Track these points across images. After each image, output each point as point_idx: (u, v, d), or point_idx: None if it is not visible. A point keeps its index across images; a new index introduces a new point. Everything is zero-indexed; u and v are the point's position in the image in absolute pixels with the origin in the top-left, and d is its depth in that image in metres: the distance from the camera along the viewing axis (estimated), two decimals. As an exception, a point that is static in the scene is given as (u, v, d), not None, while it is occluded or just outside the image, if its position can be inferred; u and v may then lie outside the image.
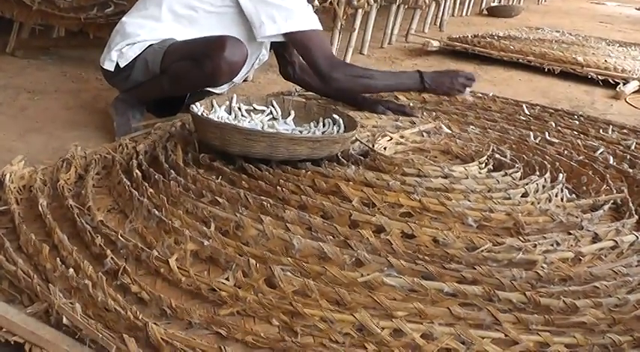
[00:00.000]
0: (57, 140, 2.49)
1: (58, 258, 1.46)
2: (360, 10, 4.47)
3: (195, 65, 2.34)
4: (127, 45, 2.48)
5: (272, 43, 2.70)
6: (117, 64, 2.49)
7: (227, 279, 1.44)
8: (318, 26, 2.51)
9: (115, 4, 3.23)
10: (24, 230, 1.58)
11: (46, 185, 1.87)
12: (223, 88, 2.73)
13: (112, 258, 1.46)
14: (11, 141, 2.44)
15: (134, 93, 2.54)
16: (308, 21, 2.46)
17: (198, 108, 2.17)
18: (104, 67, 2.53)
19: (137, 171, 1.93)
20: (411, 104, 2.91)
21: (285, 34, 2.46)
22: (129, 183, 1.84)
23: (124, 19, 2.57)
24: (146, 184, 1.84)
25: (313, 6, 3.76)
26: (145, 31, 2.49)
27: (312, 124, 2.32)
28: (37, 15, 3.56)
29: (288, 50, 2.80)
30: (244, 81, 2.89)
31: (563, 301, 1.39)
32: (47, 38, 3.99)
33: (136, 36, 2.49)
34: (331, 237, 1.59)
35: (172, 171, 1.94)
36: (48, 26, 3.89)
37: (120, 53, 2.49)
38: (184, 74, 2.38)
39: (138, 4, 2.61)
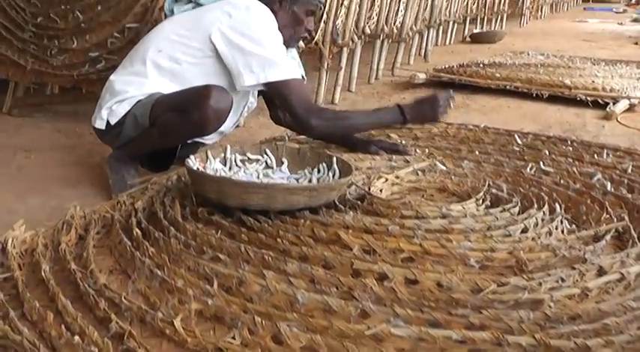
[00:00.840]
0: (55, 198, 2.50)
1: (62, 325, 1.45)
2: (345, 48, 4.51)
3: (183, 116, 2.36)
4: (116, 102, 2.51)
5: (259, 90, 2.71)
6: (107, 121, 2.51)
7: (233, 338, 1.43)
8: (296, 74, 2.52)
9: (106, 59, 3.27)
10: (28, 297, 1.57)
11: (47, 248, 1.87)
12: (213, 138, 2.75)
13: (116, 322, 1.45)
14: (10, 203, 2.46)
15: (126, 149, 2.55)
16: (285, 70, 2.47)
17: (193, 162, 2.17)
18: (95, 126, 2.55)
19: (137, 229, 1.93)
20: (403, 142, 2.93)
21: (263, 84, 2.48)
22: (129, 243, 1.84)
23: (112, 77, 2.60)
24: (147, 243, 1.84)
25: (298, 47, 3.80)
26: (133, 87, 2.52)
27: (306, 171, 2.32)
28: (32, 74, 3.63)
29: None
30: (236, 127, 2.91)
31: (574, 342, 1.37)
32: (41, 95, 4.05)
33: (125, 93, 2.51)
34: (335, 289, 1.59)
35: (172, 227, 1.94)
36: (42, 84, 3.93)
37: (110, 111, 2.51)
38: (173, 125, 2.40)
39: (124, 62, 2.64)
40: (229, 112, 2.41)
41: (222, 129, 2.68)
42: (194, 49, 2.51)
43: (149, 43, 2.58)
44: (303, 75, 2.84)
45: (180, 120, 2.38)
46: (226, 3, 2.58)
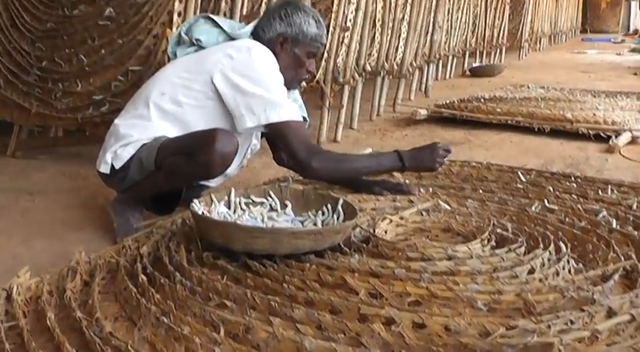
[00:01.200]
0: (60, 243, 2.50)
1: (69, 375, 1.45)
2: (346, 86, 4.54)
3: (189, 159, 2.36)
4: (121, 146, 2.52)
5: (262, 132, 2.72)
6: (112, 165, 2.52)
7: (242, 387, 1.43)
8: (297, 116, 2.52)
9: (110, 102, 3.30)
10: (33, 346, 1.57)
11: (52, 295, 1.87)
12: (217, 181, 2.75)
13: (123, 372, 1.45)
14: (15, 247, 2.46)
15: (131, 192, 2.56)
16: (286, 111, 2.47)
17: (198, 206, 2.18)
18: (100, 170, 2.56)
19: (142, 275, 1.92)
20: (407, 181, 2.93)
21: (265, 125, 2.49)
22: (135, 289, 1.83)
23: (116, 121, 2.62)
24: (152, 289, 1.83)
25: (300, 87, 3.83)
26: (137, 131, 2.53)
27: (311, 213, 2.33)
28: (36, 117, 3.66)
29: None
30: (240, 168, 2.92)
31: (585, 386, 1.37)
32: (45, 138, 4.06)
33: (129, 137, 2.53)
34: (342, 335, 1.58)
35: (177, 273, 1.94)
36: (46, 126, 3.95)
37: (114, 155, 2.52)
38: (179, 169, 2.41)
39: (128, 106, 2.66)
40: (235, 155, 2.42)
41: (226, 172, 2.69)
42: (196, 91, 2.53)
43: (152, 86, 2.60)
44: (305, 117, 2.85)
45: (186, 164, 2.38)
46: (228, 45, 2.61)
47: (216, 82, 2.49)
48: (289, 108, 2.50)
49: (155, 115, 2.54)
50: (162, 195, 2.58)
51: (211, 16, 2.76)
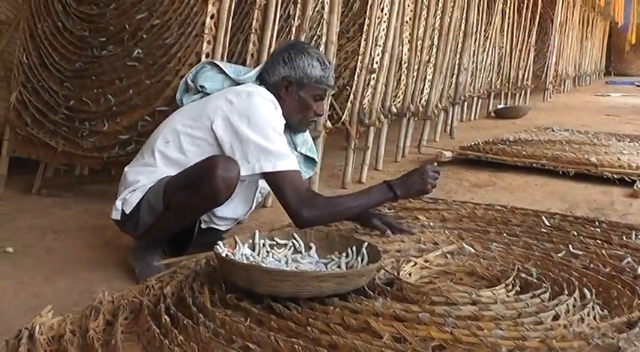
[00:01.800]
0: (83, 282, 2.51)
1: None
2: (372, 128, 4.55)
3: (194, 190, 2.38)
4: (130, 192, 2.56)
5: None
6: (123, 211, 2.55)
7: None
8: (292, 166, 2.49)
9: (136, 141, 3.30)
10: (56, 387, 1.57)
11: (75, 335, 1.87)
12: (229, 225, 2.76)
13: (147, 415, 1.44)
14: (39, 286, 2.47)
15: (147, 237, 2.57)
16: (281, 162, 2.46)
17: (222, 248, 2.19)
18: (112, 217, 2.59)
19: (165, 316, 1.92)
20: (431, 224, 2.93)
21: (259, 174, 2.49)
22: (158, 330, 1.83)
23: (126, 168, 2.67)
24: (175, 330, 1.83)
25: (326, 127, 3.85)
26: (144, 176, 2.56)
27: (335, 255, 2.33)
28: (62, 156, 3.68)
29: None
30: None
31: None
32: (71, 176, 4.09)
33: (137, 182, 2.57)
34: (366, 380, 1.58)
35: (201, 314, 1.94)
36: (71, 165, 3.99)
37: (124, 200, 2.56)
38: (186, 202, 2.42)
39: (137, 155, 2.71)
40: (238, 179, 2.42)
41: (235, 216, 2.71)
42: (199, 139, 2.54)
43: (158, 134, 2.64)
44: (315, 158, 2.85)
45: (192, 196, 2.40)
46: (229, 91, 2.62)
47: (215, 128, 2.51)
48: (284, 157, 2.48)
49: (161, 163, 2.57)
50: (178, 237, 2.61)
51: (216, 62, 2.79)
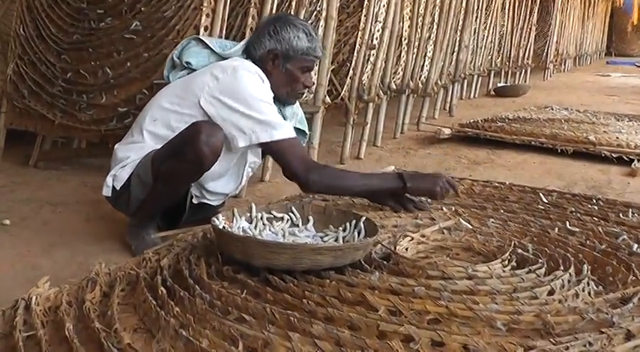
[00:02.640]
0: (81, 254, 2.52)
1: (85, 385, 1.45)
2: (371, 104, 4.55)
3: (180, 158, 2.39)
4: (120, 168, 2.56)
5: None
6: (114, 187, 2.55)
7: (258, 401, 1.43)
8: (288, 134, 2.49)
9: (134, 114, 3.28)
10: (51, 356, 1.58)
11: (71, 306, 1.87)
12: (220, 200, 2.76)
13: (141, 384, 1.45)
14: (36, 258, 2.47)
15: (140, 213, 2.57)
16: (277, 131, 2.46)
17: (219, 220, 2.19)
18: (103, 194, 2.60)
19: (162, 288, 1.93)
20: (429, 200, 2.93)
21: (257, 144, 2.49)
22: (154, 302, 1.84)
23: (116, 146, 2.67)
24: (171, 302, 1.84)
25: (324, 102, 3.84)
26: (133, 152, 2.57)
27: (332, 229, 2.33)
28: (60, 128, 3.68)
29: None
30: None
31: (602, 408, 1.36)
32: (68, 149, 4.08)
33: (126, 158, 2.57)
34: (360, 351, 1.58)
35: (197, 286, 1.94)
36: (69, 138, 3.98)
37: (114, 176, 2.56)
38: (173, 170, 2.43)
39: (127, 133, 2.71)
40: (222, 143, 2.42)
41: (226, 191, 2.70)
42: (186, 115, 2.52)
43: (146, 113, 2.63)
44: (306, 130, 2.84)
45: (178, 164, 2.40)
46: (215, 66, 2.60)
47: (204, 105, 2.49)
48: (279, 126, 2.48)
49: (150, 140, 2.56)
50: (172, 213, 2.62)
51: (202, 37, 2.76)
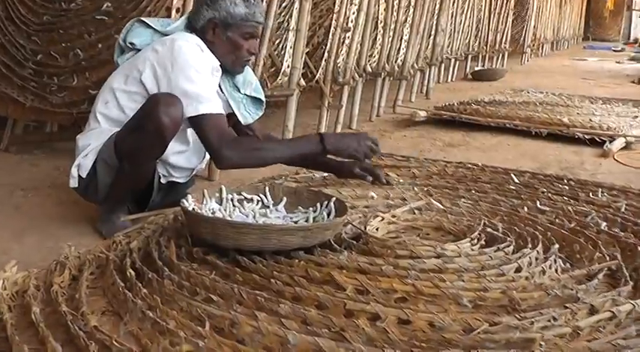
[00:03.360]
0: (51, 238, 2.50)
1: (51, 369, 1.45)
2: (346, 87, 4.54)
3: (141, 132, 2.37)
4: (83, 157, 2.54)
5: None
6: (80, 177, 2.54)
7: (225, 380, 1.43)
8: (215, 109, 2.45)
9: (106, 97, 3.27)
10: (16, 340, 1.56)
11: (39, 290, 1.86)
12: (187, 176, 2.74)
13: (106, 365, 1.44)
14: (6, 242, 2.45)
15: (110, 199, 2.56)
16: (202, 105, 2.42)
17: (189, 202, 2.18)
18: (70, 186, 2.58)
19: (131, 270, 1.92)
20: (401, 180, 2.94)
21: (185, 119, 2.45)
22: (122, 284, 1.83)
23: (77, 136, 2.65)
24: (140, 284, 1.84)
25: (299, 85, 3.83)
26: (93, 139, 2.55)
27: (303, 210, 2.33)
28: (31, 112, 3.63)
29: (238, 127, 2.82)
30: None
31: (564, 381, 1.37)
32: (40, 133, 4.05)
33: (87, 146, 2.55)
34: (327, 330, 1.58)
35: (166, 268, 1.94)
36: (41, 121, 3.94)
37: (78, 166, 2.54)
38: (136, 147, 2.41)
39: (86, 123, 2.69)
40: (182, 113, 2.39)
41: (190, 166, 2.69)
42: (133, 93, 2.51)
43: (98, 98, 2.62)
44: (262, 98, 2.82)
45: (140, 139, 2.39)
46: (156, 42, 2.58)
47: (144, 79, 2.48)
48: (206, 100, 2.44)
49: (105, 124, 2.54)
50: (142, 197, 2.62)
51: (144, 19, 2.74)
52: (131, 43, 2.64)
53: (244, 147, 2.50)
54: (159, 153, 2.48)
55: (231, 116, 2.70)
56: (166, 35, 2.62)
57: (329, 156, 2.68)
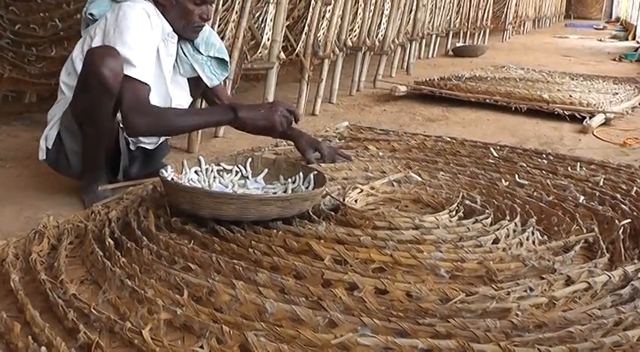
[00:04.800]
0: (30, 209, 2.48)
1: (30, 336, 1.44)
2: (326, 60, 4.53)
3: (87, 92, 2.34)
4: (49, 129, 2.54)
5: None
6: (47, 148, 2.53)
7: (201, 347, 1.43)
8: (141, 77, 2.40)
9: (85, 67, 3.25)
10: (-5, 308, 1.57)
11: (18, 258, 1.86)
12: (155, 142, 2.71)
13: (85, 332, 1.44)
14: (-17, 213, 2.43)
15: (86, 167, 2.54)
16: (130, 69, 2.37)
17: (167, 172, 2.17)
18: (39, 159, 2.58)
19: (109, 239, 1.92)
20: (380, 153, 2.94)
21: None
22: (101, 253, 1.83)
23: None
24: (119, 253, 1.83)
25: (279, 58, 3.81)
26: (58, 110, 2.55)
27: (282, 181, 2.33)
28: (9, 82, 3.61)
29: (207, 94, 2.83)
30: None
31: (539, 349, 1.39)
32: (19, 104, 4.01)
33: (53, 117, 2.55)
34: (304, 299, 1.59)
35: (145, 237, 1.94)
36: (20, 92, 3.91)
37: (45, 138, 2.54)
38: (88, 107, 2.37)
39: None
40: (120, 60, 2.35)
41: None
42: None
43: (63, 69, 2.61)
44: (226, 58, 2.79)
45: (88, 97, 2.35)
46: (109, 10, 2.55)
47: (94, 45, 2.45)
48: (130, 65, 2.39)
49: (68, 93, 2.53)
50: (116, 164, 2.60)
51: None
52: (91, 14, 2.62)
53: (152, 114, 2.42)
54: (110, 106, 2.43)
55: (199, 82, 2.71)
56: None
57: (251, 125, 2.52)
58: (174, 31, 2.58)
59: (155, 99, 2.52)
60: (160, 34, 2.53)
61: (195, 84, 2.75)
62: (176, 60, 2.65)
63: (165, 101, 2.63)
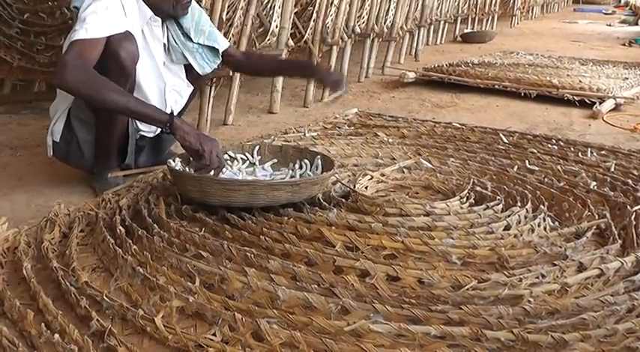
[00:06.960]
0: (40, 196, 2.49)
1: (43, 323, 1.45)
2: (335, 47, 4.51)
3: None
4: (54, 123, 2.53)
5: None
6: (55, 142, 2.52)
7: (214, 335, 1.44)
8: (83, 35, 2.29)
9: (94, 55, 3.25)
10: (8, 295, 1.57)
11: (30, 246, 1.87)
12: (153, 132, 2.68)
13: (97, 319, 1.45)
14: (-4, 201, 2.44)
15: (100, 156, 2.53)
16: (75, 32, 2.29)
17: (175, 162, 2.17)
18: (50, 156, 2.57)
19: (120, 227, 1.93)
20: (390, 140, 2.93)
21: None
22: (112, 241, 1.83)
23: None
24: (130, 241, 1.84)
25: (288, 45, 3.80)
26: (60, 103, 2.54)
27: (290, 167, 2.34)
28: (18, 71, 3.62)
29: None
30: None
31: (552, 336, 1.39)
32: (28, 93, 4.01)
33: (55, 113, 2.54)
34: (316, 286, 1.59)
35: (156, 225, 1.94)
36: (29, 81, 3.91)
37: (51, 132, 2.53)
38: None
39: None
40: (135, 45, 2.37)
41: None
42: None
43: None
44: (218, 47, 2.74)
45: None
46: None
47: (71, 35, 2.44)
48: (81, 29, 2.29)
49: None
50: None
51: None
52: (75, 7, 2.60)
53: (90, 73, 2.26)
54: (130, 87, 2.43)
55: (190, 69, 2.69)
56: None
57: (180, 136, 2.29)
58: (159, 14, 2.55)
59: (148, 81, 2.50)
60: (139, 19, 2.50)
61: (197, 74, 2.73)
62: (168, 48, 2.63)
63: (159, 84, 2.61)
